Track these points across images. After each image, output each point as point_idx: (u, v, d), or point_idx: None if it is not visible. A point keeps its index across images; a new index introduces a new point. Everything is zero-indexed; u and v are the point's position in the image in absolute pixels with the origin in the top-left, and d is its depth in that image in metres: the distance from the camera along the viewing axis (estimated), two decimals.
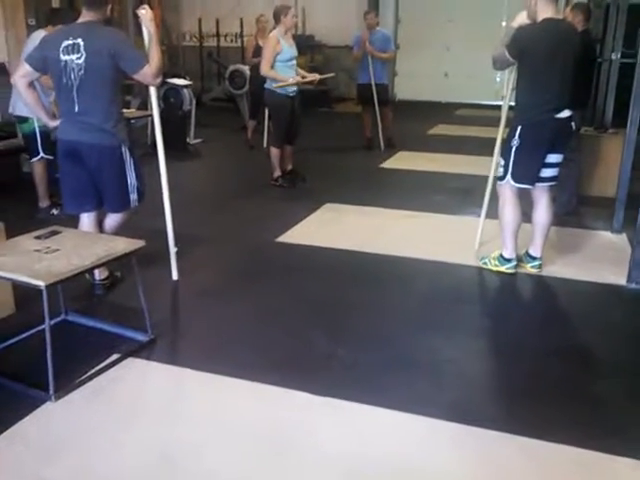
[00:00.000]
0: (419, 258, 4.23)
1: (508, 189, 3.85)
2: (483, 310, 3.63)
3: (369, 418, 2.49)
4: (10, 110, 4.98)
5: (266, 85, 5.88)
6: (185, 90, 7.58)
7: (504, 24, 12.59)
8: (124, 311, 3.44)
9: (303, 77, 5.99)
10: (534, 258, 4.01)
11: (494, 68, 3.97)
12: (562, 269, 4.06)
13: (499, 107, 11.72)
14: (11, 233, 3.25)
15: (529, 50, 3.61)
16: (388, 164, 7.29)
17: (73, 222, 3.56)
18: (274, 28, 5.83)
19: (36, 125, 4.82)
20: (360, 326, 3.29)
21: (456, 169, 6.90)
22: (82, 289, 3.56)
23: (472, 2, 12.27)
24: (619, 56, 5.80)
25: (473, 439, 2.38)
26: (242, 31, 12.77)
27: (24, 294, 3.25)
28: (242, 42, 12.69)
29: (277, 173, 6.09)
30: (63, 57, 3.19)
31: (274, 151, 6.05)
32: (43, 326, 2.93)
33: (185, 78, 8.04)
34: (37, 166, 5.00)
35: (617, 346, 3.16)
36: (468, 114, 11.64)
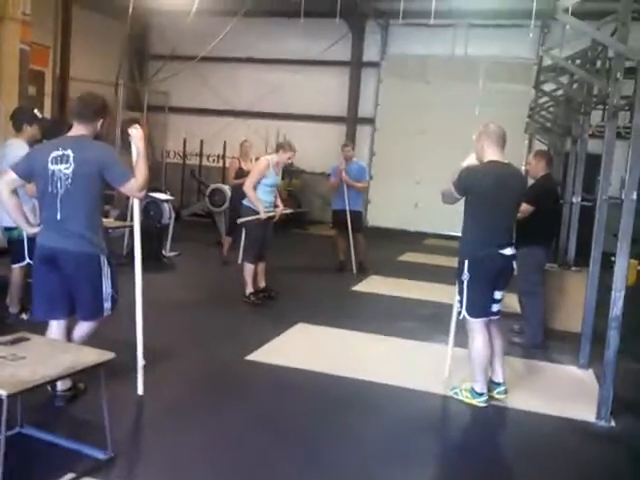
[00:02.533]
0: (389, 384, 4.20)
1: (475, 324, 3.93)
2: (451, 442, 3.58)
3: None
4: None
5: (244, 202, 6.12)
6: (165, 204, 7.76)
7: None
8: (83, 426, 3.30)
9: (276, 207, 6.25)
10: (498, 384, 4.05)
11: (443, 202, 4.20)
12: (531, 402, 4.06)
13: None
14: None
15: (474, 189, 3.87)
16: (360, 287, 7.40)
17: (42, 328, 3.48)
18: (269, 153, 6.18)
19: (23, 232, 4.82)
20: (328, 457, 3.18)
21: (424, 296, 7.03)
22: (40, 399, 3.41)
23: (443, 140, 13.08)
24: (579, 199, 6.18)
25: None
26: (224, 152, 13.31)
27: None
28: (224, 163, 13.20)
29: (249, 290, 6.13)
30: (51, 167, 3.29)
31: (248, 267, 6.14)
32: None
33: (166, 193, 8.27)
34: (18, 272, 4.97)
35: None
36: (436, 244, 12.05)
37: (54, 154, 3.31)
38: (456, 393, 4.04)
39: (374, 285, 7.58)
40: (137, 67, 14.91)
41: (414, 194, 13.45)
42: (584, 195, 6.34)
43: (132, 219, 7.59)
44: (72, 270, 3.35)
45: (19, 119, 4.98)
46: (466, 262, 3.89)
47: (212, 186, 9.86)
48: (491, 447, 3.54)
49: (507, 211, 3.94)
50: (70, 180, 3.28)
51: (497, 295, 3.97)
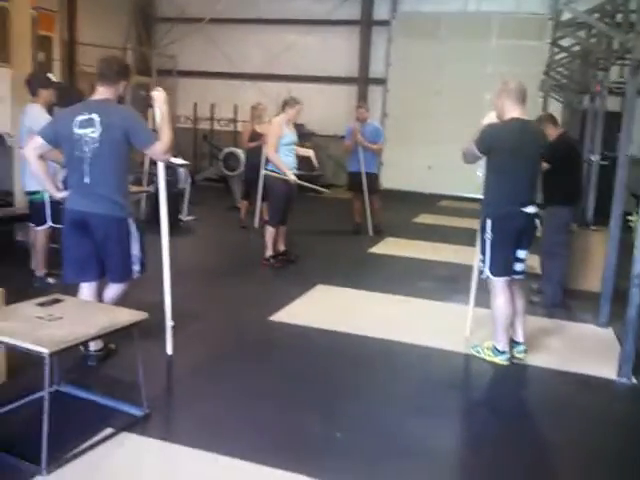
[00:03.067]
0: (410, 343, 4.27)
1: (497, 284, 3.95)
2: (475, 398, 3.65)
3: None
4: (22, 187, 5.07)
5: (268, 166, 6.12)
6: (181, 169, 7.77)
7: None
8: (118, 384, 3.39)
9: (306, 159, 6.38)
10: (518, 343, 4.10)
11: (464, 161, 4.18)
12: (552, 361, 4.11)
13: (479, 200, 12.14)
14: (9, 300, 3.25)
15: (496, 146, 3.86)
16: (377, 249, 7.44)
17: (70, 291, 3.54)
18: (277, 115, 6.13)
19: (46, 195, 4.89)
20: (354, 410, 3.28)
21: (441, 257, 7.06)
22: (73, 359, 3.50)
23: (456, 100, 12.94)
24: (598, 158, 6.13)
25: None
26: (236, 116, 13.23)
27: (16, 362, 3.21)
28: (235, 126, 13.14)
29: (269, 253, 6.18)
30: (77, 131, 3.32)
31: (270, 230, 6.17)
32: (36, 396, 2.91)
33: (178, 158, 8.26)
34: (41, 235, 5.03)
35: (614, 441, 3.18)
36: (451, 205, 12.03)
37: (79, 118, 3.33)
38: (478, 351, 4.10)
39: (391, 247, 7.61)
40: (144, 30, 14.72)
41: (428, 155, 13.36)
42: (603, 153, 6.28)
43: (148, 184, 7.68)
44: (102, 233, 3.40)
45: (34, 84, 5.02)
46: (489, 221, 3.90)
47: (225, 150, 9.85)
48: (514, 404, 3.60)
49: (529, 169, 3.92)
50: (97, 144, 3.31)
51: (520, 254, 3.99)
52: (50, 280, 4.99)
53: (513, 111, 3.86)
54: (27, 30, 6.09)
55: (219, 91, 13.87)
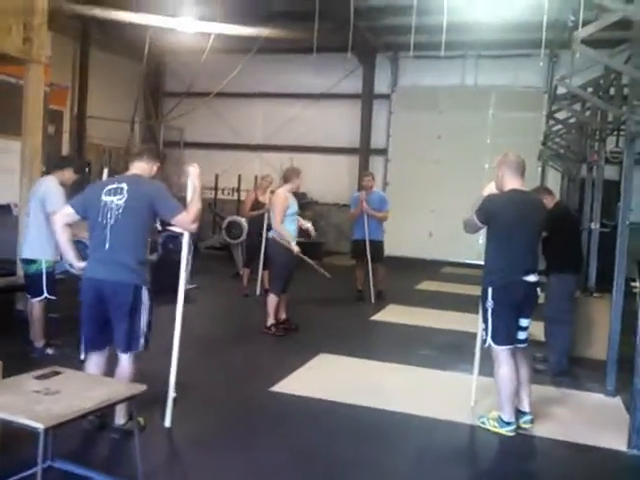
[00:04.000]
0: (414, 414, 4.18)
1: (501, 353, 3.91)
2: (480, 472, 3.54)
3: None
4: (18, 254, 5.11)
5: (271, 233, 6.21)
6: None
7: (484, 192, 13.45)
8: (113, 458, 3.31)
9: (304, 231, 6.45)
10: (524, 413, 4.01)
11: (465, 231, 4.22)
12: (559, 431, 4.02)
13: (482, 266, 12.18)
14: (7, 372, 3.21)
15: (496, 217, 3.91)
16: (379, 317, 7.40)
17: (68, 363, 3.51)
18: (280, 186, 6.26)
19: (44, 266, 4.92)
20: None
21: (444, 325, 7.01)
22: (68, 431, 3.41)
23: (456, 169, 13.19)
24: (598, 226, 6.19)
25: None
26: (239, 186, 13.47)
27: (9, 436, 3.14)
28: (239, 195, 13.35)
29: (271, 321, 6.15)
30: (104, 198, 3.45)
31: (273, 298, 6.16)
32: (29, 472, 2.83)
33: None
34: (37, 306, 5.01)
35: None
36: (453, 272, 12.04)
37: (109, 187, 3.49)
38: (483, 422, 4.01)
39: (393, 314, 7.57)
40: (153, 105, 15.24)
41: (429, 223, 13.50)
42: (602, 221, 6.35)
43: (151, 253, 7.73)
44: (115, 300, 3.41)
45: (60, 163, 5.29)
46: (490, 290, 3.90)
47: (228, 218, 9.97)
48: (520, 477, 3.49)
49: (530, 238, 3.96)
50: (121, 210, 3.40)
51: (523, 323, 3.97)
52: (49, 351, 4.95)
53: (512, 182, 3.94)
54: (39, 106, 6.30)
55: (223, 161, 14.19)
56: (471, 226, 4.09)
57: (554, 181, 11.02)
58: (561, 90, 7.67)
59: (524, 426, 3.97)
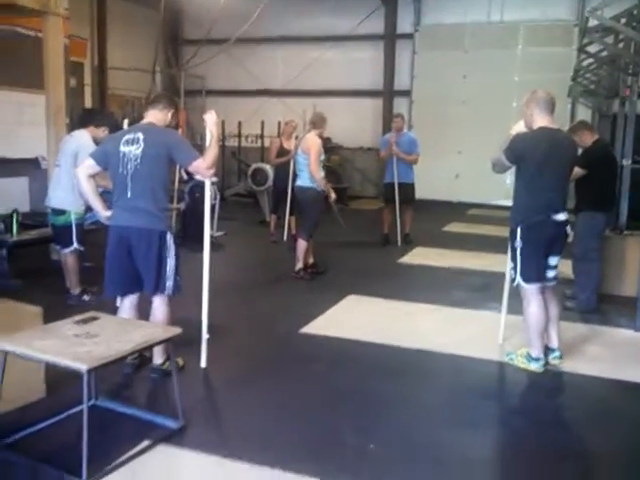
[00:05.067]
0: (443, 352, 4.25)
1: (529, 291, 3.92)
2: (510, 407, 3.60)
3: None
4: (47, 202, 5.19)
5: (305, 183, 6.14)
6: (212, 187, 7.88)
7: (512, 131, 13.18)
8: (153, 397, 3.45)
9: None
10: (552, 350, 4.06)
11: (493, 171, 4.18)
12: (587, 366, 4.05)
13: (508, 207, 12.08)
14: (47, 318, 3.34)
15: (525, 155, 3.85)
16: (406, 259, 7.43)
17: (104, 308, 3.63)
18: (309, 131, 6.23)
19: (73, 217, 5.03)
20: (388, 420, 3.28)
21: (472, 266, 7.02)
22: (110, 373, 3.57)
23: (483, 109, 12.90)
24: (630, 162, 6.04)
25: None
26: (262, 132, 13.39)
27: (54, 378, 3.30)
28: (262, 142, 13.30)
29: (299, 265, 6.23)
30: (122, 148, 3.51)
31: (302, 243, 6.22)
32: (74, 410, 2.99)
33: None
34: (69, 257, 5.16)
35: None
36: (479, 213, 11.95)
37: (126, 137, 3.54)
38: (511, 359, 4.06)
39: (420, 256, 7.59)
40: (173, 53, 15.08)
41: (455, 165, 13.33)
42: (635, 157, 6.19)
43: (178, 202, 7.81)
44: (141, 245, 3.50)
45: (91, 119, 5.33)
46: (519, 229, 3.88)
47: (254, 166, 9.98)
48: (549, 411, 3.55)
49: (559, 177, 3.90)
50: (139, 159, 3.46)
51: (552, 261, 3.96)
52: (86, 297, 5.12)
53: (542, 120, 3.85)
54: (60, 58, 6.30)
55: (246, 108, 14.09)
56: (500, 166, 4.04)
57: (585, 118, 10.71)
58: (592, 22, 7.36)
59: (553, 362, 4.02)
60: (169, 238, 3.56)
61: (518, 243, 3.88)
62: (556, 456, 2.97)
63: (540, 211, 3.84)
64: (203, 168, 3.56)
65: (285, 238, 8.18)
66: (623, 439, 3.20)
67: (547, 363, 3.98)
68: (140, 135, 3.51)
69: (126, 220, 3.51)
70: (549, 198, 3.85)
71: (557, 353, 4.06)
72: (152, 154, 3.48)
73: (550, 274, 3.99)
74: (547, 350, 4.05)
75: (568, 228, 3.98)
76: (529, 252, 3.87)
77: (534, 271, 3.89)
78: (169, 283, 3.58)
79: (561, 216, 3.87)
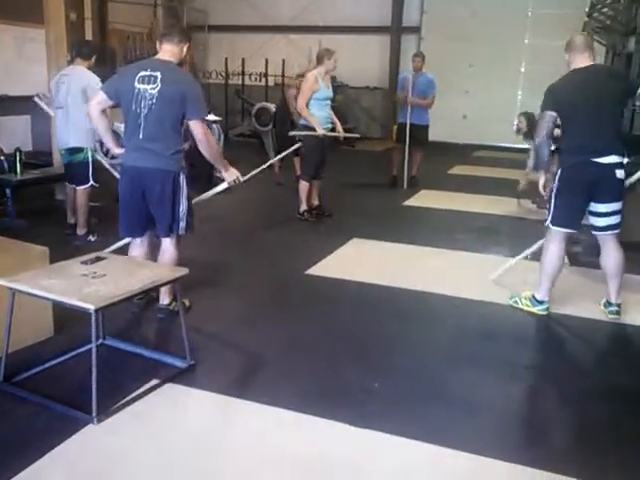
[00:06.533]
0: (447, 294, 4.27)
1: (555, 234, 3.86)
2: (515, 348, 3.64)
3: (409, 451, 2.50)
4: (62, 145, 5.13)
5: (301, 120, 6.08)
6: (214, 125, 7.76)
7: (522, 69, 12.84)
8: (161, 337, 3.50)
9: (333, 125, 6.16)
10: (610, 304, 3.95)
11: (538, 160, 3.96)
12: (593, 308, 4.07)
13: (516, 149, 11.96)
14: (53, 258, 3.35)
15: (561, 99, 3.70)
16: (411, 202, 7.38)
17: (105, 248, 3.63)
18: (314, 68, 6.05)
19: (89, 154, 5.00)
20: (393, 360, 3.32)
21: (477, 208, 6.97)
22: (119, 313, 3.61)
23: (492, 48, 12.54)
24: None
25: (513, 476, 2.38)
26: (267, 70, 13.09)
27: (62, 318, 3.34)
28: (266, 81, 13.01)
29: (303, 207, 6.20)
30: (137, 85, 3.38)
31: (303, 185, 6.17)
32: (83, 349, 3.03)
33: (211, 114, 8.23)
34: (84, 194, 5.14)
35: None
36: (486, 156, 11.80)
37: (142, 74, 3.40)
38: (516, 302, 4.08)
39: (426, 199, 7.54)
40: None
41: (462, 105, 13.07)
42: None
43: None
44: (154, 186, 3.46)
45: (84, 50, 5.21)
46: (559, 171, 3.77)
47: (258, 105, 9.77)
48: (554, 353, 3.59)
49: (605, 115, 3.67)
50: (155, 100, 3.36)
51: (600, 208, 3.74)
52: (91, 237, 5.13)
53: (580, 62, 3.70)
54: None
55: (250, 45, 13.72)
56: (544, 135, 3.74)
57: (598, 56, 10.30)
58: None
59: (610, 316, 3.92)
60: (182, 179, 3.51)
61: (555, 184, 3.78)
62: (562, 395, 3.02)
63: (580, 153, 3.66)
64: (199, 131, 3.41)
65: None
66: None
67: (612, 313, 3.90)
68: (158, 74, 3.37)
69: (139, 161, 3.45)
70: (592, 139, 3.65)
71: (614, 308, 3.92)
72: (169, 96, 3.36)
73: (600, 222, 3.78)
74: (606, 302, 3.96)
75: (620, 172, 3.69)
76: (563, 194, 3.74)
77: (565, 215, 3.78)
78: (182, 224, 3.57)
79: (607, 159, 3.63)
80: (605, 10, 8.12)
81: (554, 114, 3.72)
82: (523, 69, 12.85)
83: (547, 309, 3.97)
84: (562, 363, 3.45)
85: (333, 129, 6.17)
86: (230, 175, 3.71)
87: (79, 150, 5.04)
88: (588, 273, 4.74)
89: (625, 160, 3.71)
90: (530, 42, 12.70)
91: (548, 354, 3.57)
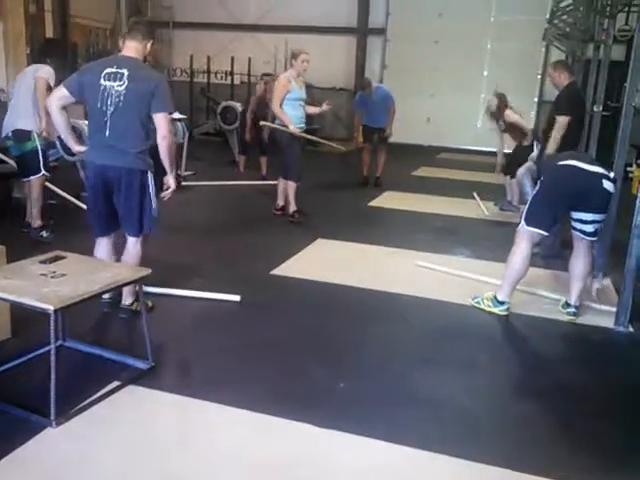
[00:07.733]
0: (410, 295, 4.31)
1: (526, 233, 3.92)
2: (477, 348, 3.69)
3: (374, 451, 2.52)
4: (9, 129, 4.95)
5: (277, 121, 6.07)
6: (179, 123, 7.67)
7: (485, 73, 13.05)
8: (122, 338, 3.44)
9: (307, 126, 6.27)
10: (568, 305, 4.06)
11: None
12: (545, 309, 4.17)
13: (479, 152, 12.15)
14: (10, 257, 3.26)
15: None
16: (376, 203, 7.43)
17: (62, 246, 3.53)
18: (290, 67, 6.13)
19: (38, 142, 4.87)
20: (358, 360, 3.34)
21: (441, 210, 7.07)
22: (79, 314, 3.53)
23: (457, 51, 12.71)
24: (600, 108, 6.04)
25: (474, 475, 2.42)
26: (232, 69, 12.99)
27: (20, 319, 3.25)
28: (232, 80, 12.91)
29: (293, 208, 6.17)
30: (103, 82, 3.31)
31: (292, 185, 6.14)
32: (41, 351, 2.96)
33: (176, 112, 8.13)
34: (36, 184, 4.99)
35: (613, 389, 3.24)
36: (450, 158, 11.96)
37: (107, 70, 3.33)
38: (478, 302, 4.14)
39: (390, 200, 7.60)
40: None
41: (427, 108, 13.22)
42: (607, 103, 6.20)
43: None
44: (120, 185, 3.40)
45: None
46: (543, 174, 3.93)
47: (223, 104, 9.71)
48: (511, 353, 3.67)
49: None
50: (122, 97, 3.30)
51: (584, 216, 3.84)
52: (44, 233, 4.98)
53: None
54: None
55: (215, 43, 13.61)
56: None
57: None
58: None
59: (567, 317, 4.02)
60: (149, 177, 3.46)
61: (538, 184, 3.90)
62: (514, 394, 3.09)
63: (570, 158, 3.83)
64: (163, 125, 3.36)
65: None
66: (585, 378, 3.32)
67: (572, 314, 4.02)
68: (125, 71, 3.31)
69: (106, 159, 3.38)
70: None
71: (572, 309, 4.03)
72: (136, 94, 3.30)
73: (585, 228, 3.89)
74: (565, 304, 4.07)
75: (609, 184, 3.77)
76: (541, 195, 3.86)
77: (539, 217, 3.85)
78: (149, 223, 3.52)
79: (596, 168, 3.77)
80: (565, 17, 8.30)
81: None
82: (486, 73, 13.06)
83: (508, 309, 4.04)
84: (521, 362, 3.53)
85: (306, 131, 6.22)
86: (173, 180, 3.62)
87: (26, 135, 4.87)
88: (548, 274, 4.86)
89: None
90: (493, 47, 12.92)
91: (509, 353, 3.65)
